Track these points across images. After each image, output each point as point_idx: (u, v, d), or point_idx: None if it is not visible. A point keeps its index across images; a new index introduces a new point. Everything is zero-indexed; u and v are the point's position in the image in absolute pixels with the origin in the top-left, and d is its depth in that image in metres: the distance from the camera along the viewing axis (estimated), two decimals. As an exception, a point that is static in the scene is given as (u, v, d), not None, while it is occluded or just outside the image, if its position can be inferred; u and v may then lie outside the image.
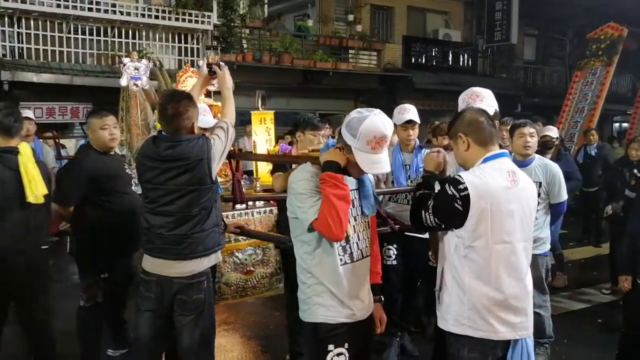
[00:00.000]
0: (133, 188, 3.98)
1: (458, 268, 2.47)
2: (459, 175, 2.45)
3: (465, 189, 2.38)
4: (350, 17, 15.34)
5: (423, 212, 2.51)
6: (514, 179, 2.47)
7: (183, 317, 3.07)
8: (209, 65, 3.38)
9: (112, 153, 3.99)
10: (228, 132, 3.15)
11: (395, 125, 4.26)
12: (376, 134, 2.31)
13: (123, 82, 6.27)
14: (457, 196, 2.39)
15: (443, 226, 2.50)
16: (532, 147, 4.26)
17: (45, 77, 10.00)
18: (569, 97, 13.02)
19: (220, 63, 3.40)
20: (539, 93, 18.52)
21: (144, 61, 6.42)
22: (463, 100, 3.05)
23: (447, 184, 2.45)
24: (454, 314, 2.49)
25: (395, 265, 4.43)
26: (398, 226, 3.46)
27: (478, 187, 2.38)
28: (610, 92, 13.81)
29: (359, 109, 2.43)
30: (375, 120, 2.33)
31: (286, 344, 4.80)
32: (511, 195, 2.43)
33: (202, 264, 3.08)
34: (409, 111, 4.39)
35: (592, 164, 8.75)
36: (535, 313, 4.37)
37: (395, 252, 4.44)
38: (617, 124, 22.99)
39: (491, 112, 3.00)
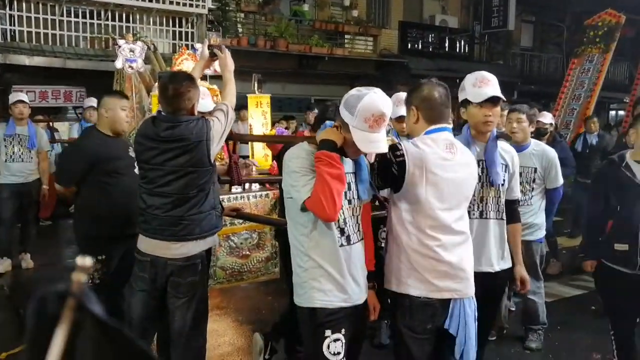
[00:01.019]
0: (136, 172, 3.96)
1: (398, 230, 2.53)
2: (399, 143, 2.56)
3: (402, 155, 2.46)
4: (347, 2, 15.23)
5: (371, 171, 2.62)
6: (451, 150, 2.54)
7: (176, 299, 3.07)
8: (210, 47, 3.36)
9: (119, 135, 3.99)
10: (228, 114, 3.14)
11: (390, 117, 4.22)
12: (374, 112, 2.27)
13: (118, 64, 6.20)
14: (394, 161, 2.47)
15: (381, 185, 2.66)
16: (518, 132, 4.28)
17: (38, 60, 9.89)
18: (566, 84, 12.96)
19: (222, 46, 3.39)
20: (535, 80, 18.49)
21: (139, 43, 6.34)
22: (473, 85, 3.02)
23: (389, 150, 2.50)
24: (396, 274, 2.55)
25: None
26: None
27: (414, 155, 2.46)
28: (607, 79, 13.76)
29: (357, 87, 2.38)
30: (374, 98, 2.29)
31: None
32: (448, 165, 2.50)
33: (197, 246, 3.08)
34: (404, 104, 4.31)
35: (592, 154, 8.37)
36: (529, 299, 4.47)
37: None
38: (613, 112, 22.99)
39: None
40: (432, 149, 2.49)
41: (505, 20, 16.48)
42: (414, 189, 2.46)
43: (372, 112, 2.27)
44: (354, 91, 2.36)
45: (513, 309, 5.16)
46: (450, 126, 2.67)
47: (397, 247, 2.55)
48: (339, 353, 2.42)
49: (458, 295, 2.51)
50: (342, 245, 2.42)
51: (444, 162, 2.49)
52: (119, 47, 6.15)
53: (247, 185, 5.01)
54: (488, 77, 3.02)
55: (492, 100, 2.96)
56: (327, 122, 2.54)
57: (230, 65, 3.40)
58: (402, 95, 4.33)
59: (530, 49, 20.26)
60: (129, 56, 6.04)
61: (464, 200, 2.62)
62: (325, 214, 2.24)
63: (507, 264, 3.15)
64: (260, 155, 5.59)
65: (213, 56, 3.40)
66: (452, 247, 2.52)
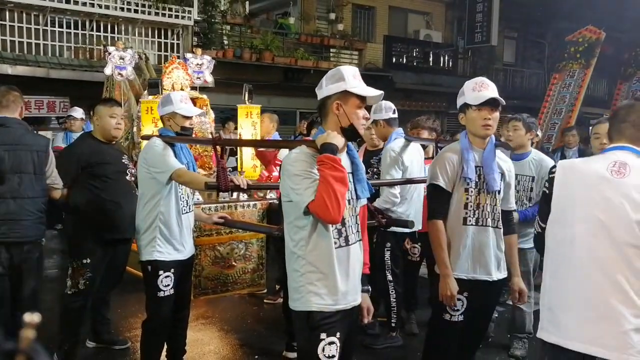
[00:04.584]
0: (127, 178, 4.04)
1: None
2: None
3: (555, 172, 2.26)
4: (332, 16, 15.34)
5: (536, 223, 2.40)
6: (619, 170, 2.10)
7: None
8: None
9: (114, 143, 4.08)
10: None
11: None
12: (352, 70, 2.50)
13: (107, 71, 6.18)
14: (546, 177, 2.30)
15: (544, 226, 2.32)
16: (512, 140, 4.35)
17: (21, 70, 9.81)
18: (547, 99, 13.10)
19: None
20: (518, 95, 18.63)
21: (130, 51, 6.33)
22: (472, 89, 3.04)
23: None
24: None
25: None
26: (385, 220, 3.44)
27: (565, 168, 2.23)
28: (587, 95, 13.93)
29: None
30: (342, 66, 2.57)
31: (263, 338, 4.78)
32: (610, 186, 2.09)
33: None
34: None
35: None
36: (518, 308, 4.44)
37: None
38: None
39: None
40: (590, 165, 2.19)
41: (489, 36, 16.68)
42: (560, 207, 2.22)
43: (353, 70, 2.50)
44: (323, 79, 2.52)
45: (495, 315, 5.17)
46: (628, 145, 2.19)
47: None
48: (333, 356, 2.40)
49: (596, 354, 2.10)
50: (340, 246, 2.42)
51: (605, 181, 2.12)
52: (109, 54, 6.13)
53: (234, 194, 4.98)
54: (487, 82, 3.06)
55: (491, 104, 2.97)
56: (321, 128, 2.54)
57: None
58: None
59: (513, 65, 20.52)
60: (119, 63, 6.02)
61: (629, 230, 2.07)
62: (330, 216, 2.25)
63: (503, 274, 3.15)
64: (249, 165, 5.56)
65: None
66: (604, 292, 2.10)
